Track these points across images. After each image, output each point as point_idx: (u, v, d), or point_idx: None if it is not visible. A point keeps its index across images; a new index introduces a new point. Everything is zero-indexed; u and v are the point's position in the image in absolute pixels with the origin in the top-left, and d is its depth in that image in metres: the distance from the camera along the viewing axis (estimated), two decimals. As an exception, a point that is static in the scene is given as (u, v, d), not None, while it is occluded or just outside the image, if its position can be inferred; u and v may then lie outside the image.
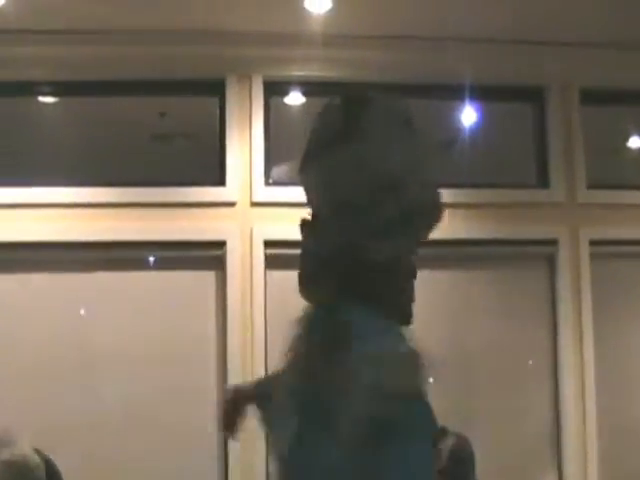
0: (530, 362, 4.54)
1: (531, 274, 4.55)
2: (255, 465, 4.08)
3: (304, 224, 1.56)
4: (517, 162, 4.69)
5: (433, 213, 1.49)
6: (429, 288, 4.29)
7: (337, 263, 1.46)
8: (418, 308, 1.48)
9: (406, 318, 1.49)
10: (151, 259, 4.33)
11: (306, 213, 1.55)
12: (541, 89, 4.58)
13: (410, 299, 1.51)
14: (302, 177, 1.56)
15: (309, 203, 1.57)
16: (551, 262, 4.50)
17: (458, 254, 4.47)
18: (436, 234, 4.24)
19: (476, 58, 4.35)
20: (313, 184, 1.54)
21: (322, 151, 1.51)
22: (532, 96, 4.62)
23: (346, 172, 1.44)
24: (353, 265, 1.44)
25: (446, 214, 1.46)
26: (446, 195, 4.52)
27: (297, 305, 4.64)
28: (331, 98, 1.50)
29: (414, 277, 1.52)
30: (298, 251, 4.94)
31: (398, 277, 1.49)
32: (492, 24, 4.21)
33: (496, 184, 4.53)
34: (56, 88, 4.34)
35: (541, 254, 4.53)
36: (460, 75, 4.36)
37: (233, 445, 3.99)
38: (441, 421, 1.47)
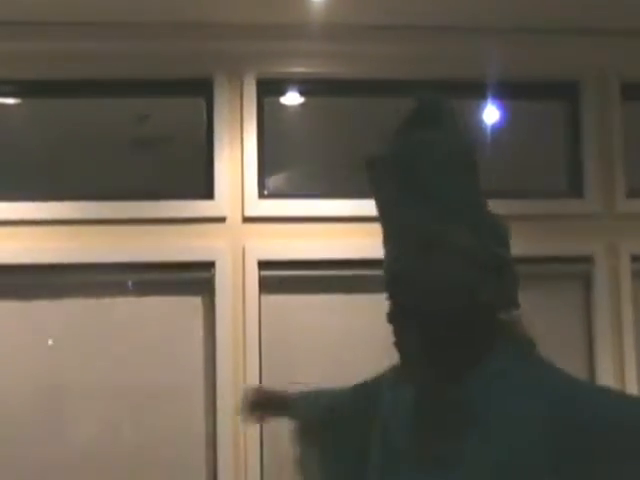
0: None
1: (564, 295, 4.34)
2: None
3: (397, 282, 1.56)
4: (547, 168, 4.47)
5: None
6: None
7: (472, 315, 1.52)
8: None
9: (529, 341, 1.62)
10: (129, 283, 4.10)
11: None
12: (575, 84, 4.37)
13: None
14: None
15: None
16: (587, 281, 4.29)
17: None
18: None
19: (499, 50, 4.13)
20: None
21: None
22: (565, 92, 4.42)
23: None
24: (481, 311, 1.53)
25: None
26: None
27: (295, 333, 4.39)
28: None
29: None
30: (296, 272, 4.63)
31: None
32: (516, 10, 4.00)
33: (523, 193, 4.29)
34: (19, 87, 4.15)
35: (575, 272, 4.31)
36: (480, 69, 4.17)
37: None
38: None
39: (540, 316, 4.21)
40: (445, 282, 1.49)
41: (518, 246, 4.29)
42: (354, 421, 1.73)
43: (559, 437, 1.42)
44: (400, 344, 1.56)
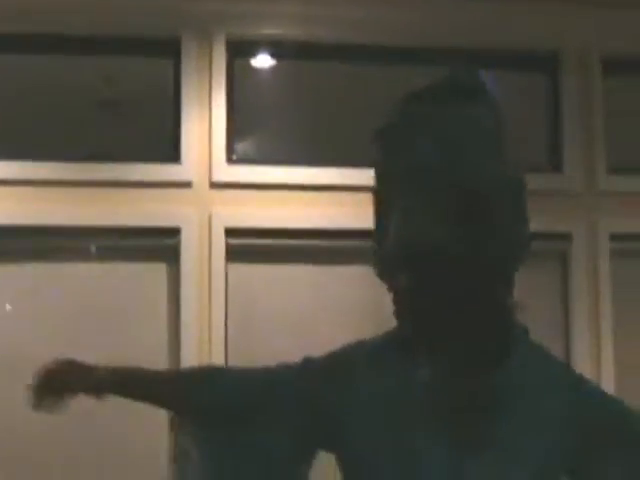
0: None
1: (541, 273, 4.35)
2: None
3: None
4: (525, 141, 4.46)
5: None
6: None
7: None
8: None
9: None
10: (92, 248, 4.11)
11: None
12: (555, 55, 4.41)
13: None
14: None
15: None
16: (564, 259, 4.34)
17: None
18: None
19: (477, 18, 4.20)
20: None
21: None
22: (544, 64, 4.46)
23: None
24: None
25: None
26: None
27: (263, 303, 4.37)
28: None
29: None
30: (265, 241, 4.60)
31: None
32: None
33: None
34: None
35: (553, 250, 4.34)
36: (457, 37, 4.24)
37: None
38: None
39: (517, 293, 4.28)
40: (485, 256, 1.52)
41: None
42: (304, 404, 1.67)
43: (576, 437, 1.55)
44: (418, 324, 1.56)
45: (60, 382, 1.80)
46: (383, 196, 1.59)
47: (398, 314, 1.60)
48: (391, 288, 1.59)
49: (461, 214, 1.50)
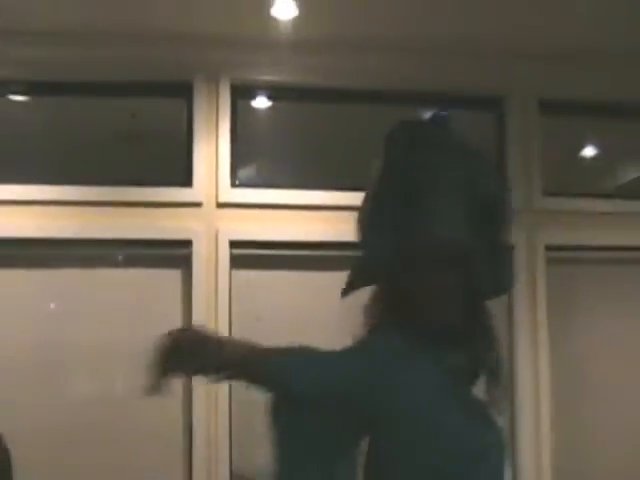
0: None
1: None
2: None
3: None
4: None
5: None
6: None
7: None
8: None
9: None
10: (119, 257, 4.69)
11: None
12: (501, 98, 5.06)
13: None
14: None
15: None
16: None
17: None
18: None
19: (439, 65, 4.83)
20: None
21: None
22: (493, 105, 5.10)
23: None
24: None
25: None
26: None
27: (263, 304, 4.88)
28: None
29: None
30: (262, 251, 5.19)
31: None
32: (454, 32, 4.68)
33: None
34: (29, 87, 4.72)
35: None
36: (422, 82, 4.87)
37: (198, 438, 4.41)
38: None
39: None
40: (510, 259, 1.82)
41: None
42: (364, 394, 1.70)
43: None
44: (444, 317, 1.74)
45: (188, 355, 1.65)
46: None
47: (413, 309, 1.74)
48: (408, 284, 1.74)
49: (485, 215, 1.78)
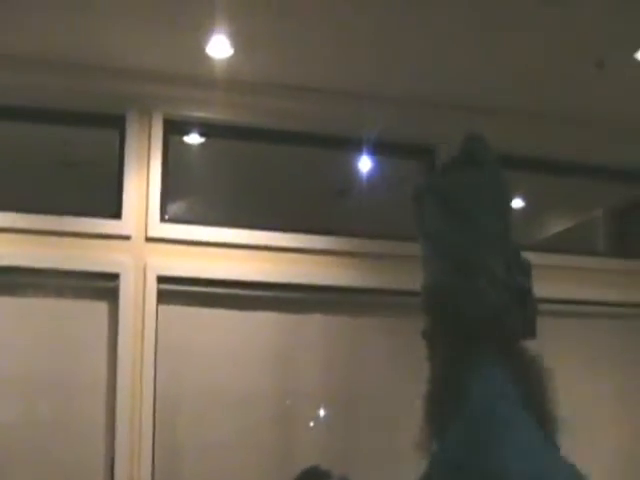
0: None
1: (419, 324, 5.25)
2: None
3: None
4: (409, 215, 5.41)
5: None
6: (321, 333, 5.16)
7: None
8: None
9: None
10: (45, 286, 4.80)
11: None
12: (432, 148, 5.44)
13: None
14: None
15: None
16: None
17: (348, 301, 5.27)
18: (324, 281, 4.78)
19: (371, 113, 5.15)
20: None
21: None
22: (424, 154, 5.50)
23: None
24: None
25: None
26: (335, 243, 5.20)
27: (187, 339, 5.12)
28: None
29: None
30: (190, 288, 5.42)
31: None
32: (381, 80, 5.03)
33: (388, 235, 5.31)
34: None
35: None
36: (352, 127, 5.20)
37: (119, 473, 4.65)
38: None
39: (400, 339, 5.11)
40: (479, 305, 1.72)
41: (375, 279, 5.16)
42: None
43: None
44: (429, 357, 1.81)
45: None
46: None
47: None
48: None
49: (462, 269, 1.73)
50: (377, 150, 5.34)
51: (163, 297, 4.91)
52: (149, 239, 4.94)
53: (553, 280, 5.13)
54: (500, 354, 1.72)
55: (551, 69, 4.94)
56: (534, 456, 1.60)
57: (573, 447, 1.86)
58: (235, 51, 4.72)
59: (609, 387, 5.72)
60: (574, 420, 1.76)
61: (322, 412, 5.24)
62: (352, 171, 5.45)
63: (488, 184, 1.80)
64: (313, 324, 5.25)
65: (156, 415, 4.81)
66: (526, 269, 1.80)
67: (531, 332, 1.78)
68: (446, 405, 1.69)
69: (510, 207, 1.86)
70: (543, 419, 1.71)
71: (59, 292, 4.83)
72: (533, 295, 1.80)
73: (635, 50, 4.72)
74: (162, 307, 4.91)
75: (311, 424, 5.20)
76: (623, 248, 6.21)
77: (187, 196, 5.32)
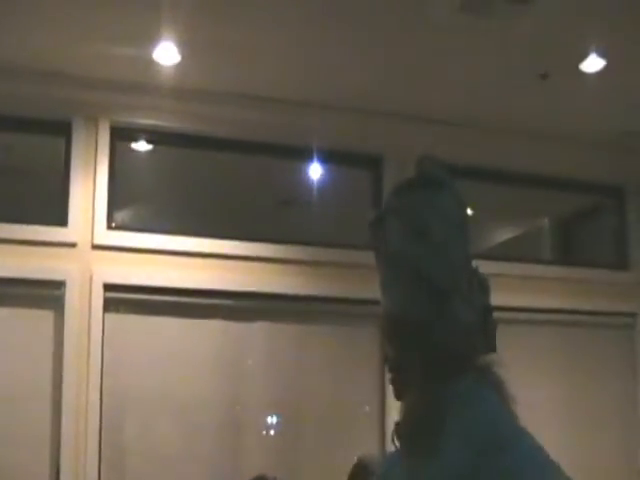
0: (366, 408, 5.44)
1: (363, 331, 5.41)
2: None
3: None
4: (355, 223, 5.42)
5: None
6: (268, 340, 5.24)
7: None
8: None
9: None
10: None
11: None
12: (380, 158, 5.57)
13: None
14: None
15: None
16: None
17: (295, 309, 5.36)
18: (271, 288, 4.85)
19: (321, 122, 5.26)
20: None
21: None
22: (371, 164, 5.62)
23: None
24: None
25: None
26: (283, 251, 5.26)
27: (134, 348, 5.18)
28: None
29: None
30: (137, 296, 5.47)
31: None
32: (335, 90, 5.14)
33: (330, 244, 5.42)
34: None
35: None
36: (301, 135, 5.30)
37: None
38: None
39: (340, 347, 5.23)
40: (455, 329, 1.69)
41: (327, 288, 5.23)
42: None
43: None
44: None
45: None
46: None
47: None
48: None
49: (434, 294, 1.69)
50: (325, 159, 5.44)
51: (110, 305, 4.96)
52: (95, 246, 4.99)
53: (501, 288, 5.09)
54: (479, 373, 1.71)
55: (500, 81, 5.07)
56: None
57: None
58: (182, 58, 4.77)
59: (556, 392, 5.86)
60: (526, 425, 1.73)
61: (269, 419, 5.31)
62: (300, 179, 5.54)
63: (451, 205, 1.77)
64: (260, 331, 5.33)
65: (102, 425, 4.85)
66: (486, 286, 1.80)
67: (492, 347, 1.76)
68: (433, 436, 1.67)
69: (469, 226, 1.83)
70: None
71: (3, 301, 4.85)
72: (492, 312, 1.79)
73: (579, 62, 4.84)
74: (108, 315, 4.96)
75: (258, 431, 5.26)
76: (568, 256, 6.38)
77: (134, 203, 5.37)
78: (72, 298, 4.88)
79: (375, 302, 1.69)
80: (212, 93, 5.14)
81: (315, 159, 5.43)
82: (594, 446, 5.85)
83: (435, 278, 1.70)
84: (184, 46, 4.67)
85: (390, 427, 4.24)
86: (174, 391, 5.08)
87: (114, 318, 4.98)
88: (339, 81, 5.06)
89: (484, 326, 1.74)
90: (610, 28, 4.48)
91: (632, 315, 6.15)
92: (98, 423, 4.82)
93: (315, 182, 5.54)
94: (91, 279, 4.92)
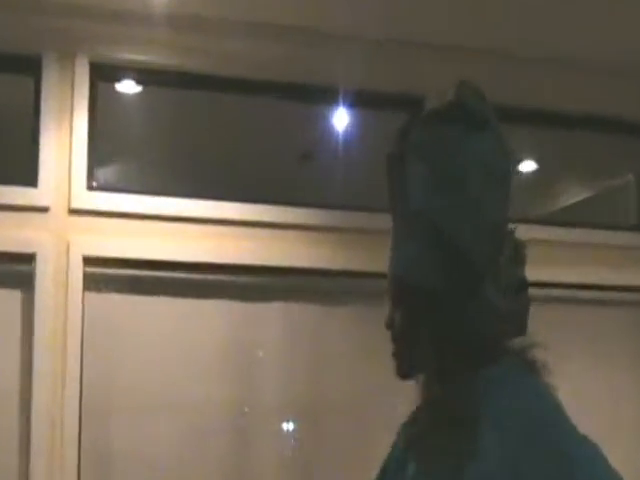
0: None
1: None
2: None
3: None
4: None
5: None
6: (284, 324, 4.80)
7: None
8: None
9: None
10: None
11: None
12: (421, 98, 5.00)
13: None
14: None
15: None
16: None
17: (316, 286, 4.88)
18: (286, 262, 4.39)
19: (351, 58, 4.69)
20: None
21: None
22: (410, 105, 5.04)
23: None
24: None
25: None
26: (297, 216, 4.74)
27: (121, 333, 4.70)
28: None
29: None
30: (124, 271, 4.97)
31: None
32: (363, 20, 4.58)
33: (358, 207, 4.91)
34: None
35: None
36: (328, 76, 4.78)
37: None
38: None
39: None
40: (482, 307, 1.61)
41: (355, 259, 4.78)
42: None
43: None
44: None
45: None
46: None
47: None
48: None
49: (440, 263, 1.58)
50: (353, 102, 4.90)
51: (90, 282, 4.46)
52: (72, 211, 4.48)
53: (568, 260, 4.86)
54: (514, 357, 1.65)
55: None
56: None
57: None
58: (179, -22, 4.43)
59: (627, 387, 5.39)
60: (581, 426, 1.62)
61: (283, 421, 4.84)
62: (322, 129, 5.06)
63: (493, 151, 1.61)
64: (273, 313, 4.85)
65: (82, 428, 4.39)
66: (523, 256, 1.71)
67: (522, 330, 1.69)
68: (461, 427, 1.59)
69: (512, 182, 1.68)
70: None
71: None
72: (527, 286, 1.71)
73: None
74: (89, 295, 4.46)
75: (269, 435, 4.80)
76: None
77: (120, 158, 4.87)
78: (44, 274, 4.36)
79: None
80: (214, 21, 4.60)
81: (341, 103, 4.90)
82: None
83: (461, 242, 1.58)
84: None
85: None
86: (169, 385, 4.63)
87: (95, 298, 4.48)
88: (369, 8, 4.49)
89: (516, 306, 1.67)
90: None
91: None
92: (77, 425, 4.35)
93: (342, 131, 5.03)
94: (67, 251, 4.42)
